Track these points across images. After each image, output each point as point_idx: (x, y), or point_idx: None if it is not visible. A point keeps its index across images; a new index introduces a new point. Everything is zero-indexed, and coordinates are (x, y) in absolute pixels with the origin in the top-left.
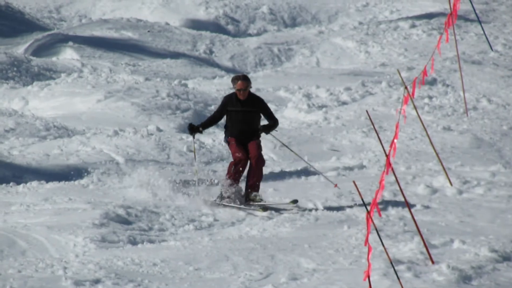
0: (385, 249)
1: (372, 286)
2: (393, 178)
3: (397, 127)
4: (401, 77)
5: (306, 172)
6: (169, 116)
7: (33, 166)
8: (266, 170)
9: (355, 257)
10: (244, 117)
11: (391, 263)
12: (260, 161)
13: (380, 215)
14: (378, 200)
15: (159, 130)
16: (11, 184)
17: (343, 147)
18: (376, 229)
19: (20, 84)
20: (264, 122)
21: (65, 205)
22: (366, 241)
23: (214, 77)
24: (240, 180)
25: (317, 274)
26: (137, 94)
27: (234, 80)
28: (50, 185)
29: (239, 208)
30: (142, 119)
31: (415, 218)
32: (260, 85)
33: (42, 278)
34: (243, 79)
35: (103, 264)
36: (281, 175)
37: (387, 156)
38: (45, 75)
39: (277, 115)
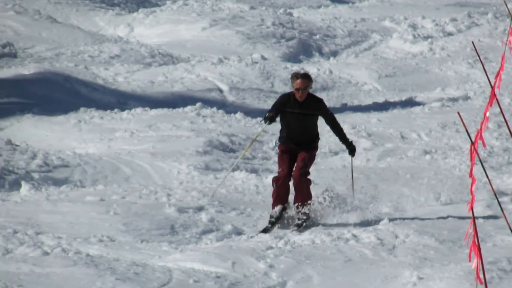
0: (489, 180)
1: (475, 218)
2: (498, 109)
3: (503, 58)
4: (507, 8)
5: (410, 102)
6: (273, 45)
7: (137, 92)
8: (370, 100)
9: (459, 188)
10: (300, 121)
11: (495, 194)
12: (302, 181)
13: (484, 146)
14: (482, 132)
15: (263, 58)
16: (115, 110)
17: (448, 78)
18: (481, 160)
19: (125, 11)
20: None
21: (169, 132)
22: (471, 172)
23: (319, 7)
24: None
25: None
26: (242, 23)
27: (292, 78)
28: (154, 112)
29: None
30: (246, 48)
31: None
32: (365, 15)
33: (145, 204)
34: (302, 77)
35: (207, 191)
36: (385, 106)
37: (492, 87)
38: (151, 2)
39: (381, 46)
